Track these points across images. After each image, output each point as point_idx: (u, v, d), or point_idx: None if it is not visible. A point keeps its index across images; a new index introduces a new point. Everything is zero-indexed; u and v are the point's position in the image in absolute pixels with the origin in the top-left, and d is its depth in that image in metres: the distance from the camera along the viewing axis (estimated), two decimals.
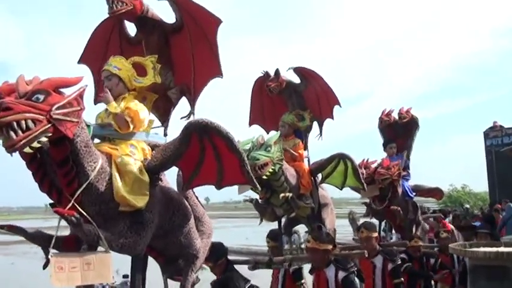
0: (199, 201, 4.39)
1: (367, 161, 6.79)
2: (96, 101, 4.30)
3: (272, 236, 5.53)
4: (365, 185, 5.86)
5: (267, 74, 5.74)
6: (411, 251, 5.95)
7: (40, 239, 3.14)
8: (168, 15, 4.15)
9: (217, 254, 4.21)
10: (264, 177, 4.65)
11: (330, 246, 3.95)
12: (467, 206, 21.56)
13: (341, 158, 5.51)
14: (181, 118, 4.23)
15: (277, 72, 5.64)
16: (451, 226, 8.82)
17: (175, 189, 3.93)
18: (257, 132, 6.00)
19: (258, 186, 3.59)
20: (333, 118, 5.98)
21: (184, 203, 3.83)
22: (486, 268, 4.34)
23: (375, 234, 5.10)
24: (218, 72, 4.11)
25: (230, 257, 4.42)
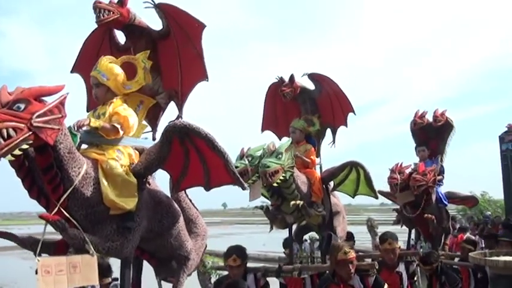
0: (193, 203, 4.43)
1: (401, 165, 6.51)
2: (88, 109, 4.39)
3: (285, 244, 5.54)
4: (377, 192, 5.77)
5: (281, 80, 5.70)
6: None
7: (30, 244, 3.24)
8: (155, 22, 4.24)
9: (246, 255, 4.25)
10: (275, 184, 4.66)
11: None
12: (488, 213, 20.83)
13: (353, 166, 5.48)
14: (170, 122, 4.27)
15: (291, 77, 5.60)
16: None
17: (166, 192, 3.98)
18: (271, 138, 6.01)
19: (244, 185, 3.62)
20: (346, 125, 5.91)
21: (173, 206, 3.87)
22: (507, 278, 4.28)
23: (398, 245, 4.92)
24: (204, 76, 4.16)
25: None
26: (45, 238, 3.21)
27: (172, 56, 4.17)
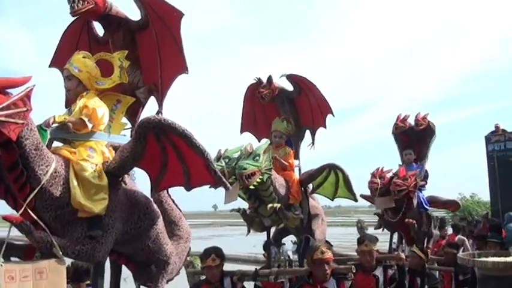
0: (176, 204, 4.26)
1: (382, 169, 6.35)
2: (67, 105, 4.19)
3: (265, 246, 5.36)
4: (356, 195, 5.64)
5: (259, 81, 5.54)
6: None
7: None
8: (133, 13, 4.07)
9: (224, 255, 4.13)
10: (252, 187, 4.53)
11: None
12: (476, 218, 20.66)
13: (332, 169, 5.34)
14: (143, 118, 4.09)
15: (269, 79, 5.45)
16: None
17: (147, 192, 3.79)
18: (249, 140, 5.81)
19: (227, 185, 3.45)
20: (325, 127, 5.80)
21: (152, 207, 3.67)
22: (495, 278, 4.25)
23: (376, 247, 4.83)
24: (184, 69, 4.00)
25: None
26: (16, 240, 3.05)
27: (151, 48, 4.01)
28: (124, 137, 3.76)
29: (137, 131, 3.10)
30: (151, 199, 3.75)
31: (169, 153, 3.23)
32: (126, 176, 3.50)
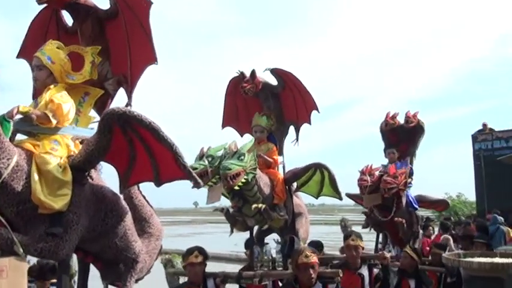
0: (147, 200, 4.15)
1: (371, 167, 6.31)
2: (34, 96, 4.04)
3: (247, 244, 5.32)
4: (341, 194, 5.48)
5: (242, 75, 5.32)
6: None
7: None
8: (102, 1, 3.96)
9: (207, 254, 4.01)
10: (236, 187, 4.38)
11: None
12: (462, 218, 20.37)
13: (317, 168, 5.22)
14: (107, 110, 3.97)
15: (253, 73, 5.23)
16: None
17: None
18: (232, 135, 5.72)
19: (198, 180, 3.32)
20: (310, 123, 5.64)
21: (120, 203, 3.55)
22: (481, 279, 4.17)
23: (363, 244, 4.67)
24: (153, 59, 3.89)
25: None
26: None
27: (120, 38, 3.89)
28: (91, 130, 3.59)
29: (101, 123, 2.99)
30: (120, 195, 3.61)
31: (136, 146, 3.12)
32: (93, 170, 3.37)
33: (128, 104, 3.93)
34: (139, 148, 3.12)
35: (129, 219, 3.61)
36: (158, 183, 3.27)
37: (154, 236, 4.06)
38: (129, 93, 3.97)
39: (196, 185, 3.36)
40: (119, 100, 4.05)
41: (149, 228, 4.05)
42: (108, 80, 3.95)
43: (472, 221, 11.01)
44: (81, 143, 3.39)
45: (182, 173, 3.15)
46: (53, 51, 3.40)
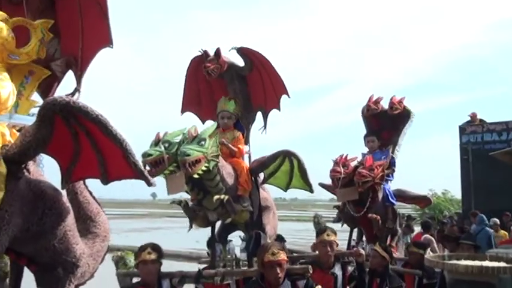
0: (93, 197, 3.84)
1: (346, 157, 5.84)
2: None
3: (209, 243, 5.05)
4: (312, 186, 5.12)
5: (205, 54, 4.87)
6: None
7: None
8: None
9: (162, 252, 3.79)
10: (196, 175, 4.08)
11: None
12: (447, 213, 19.52)
13: (286, 156, 4.84)
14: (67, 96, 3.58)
15: (217, 51, 4.81)
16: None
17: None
18: (192, 121, 5.27)
19: (150, 180, 2.98)
20: (279, 109, 5.31)
21: (60, 200, 3.18)
22: (468, 283, 4.00)
23: (337, 240, 4.37)
24: (108, 41, 3.59)
25: None
26: None
27: (72, 15, 3.54)
28: (30, 117, 3.22)
29: (40, 113, 2.64)
30: (62, 191, 3.25)
31: (81, 140, 2.80)
32: (31, 163, 3.00)
33: (77, 90, 3.59)
34: (84, 142, 2.80)
35: (70, 218, 3.26)
36: (105, 181, 2.95)
37: (100, 236, 3.74)
38: (79, 78, 3.63)
39: (149, 185, 3.03)
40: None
41: (95, 227, 3.73)
42: (56, 61, 3.57)
43: (451, 223, 10.78)
44: (19, 130, 3.01)
45: (133, 172, 2.84)
46: None
